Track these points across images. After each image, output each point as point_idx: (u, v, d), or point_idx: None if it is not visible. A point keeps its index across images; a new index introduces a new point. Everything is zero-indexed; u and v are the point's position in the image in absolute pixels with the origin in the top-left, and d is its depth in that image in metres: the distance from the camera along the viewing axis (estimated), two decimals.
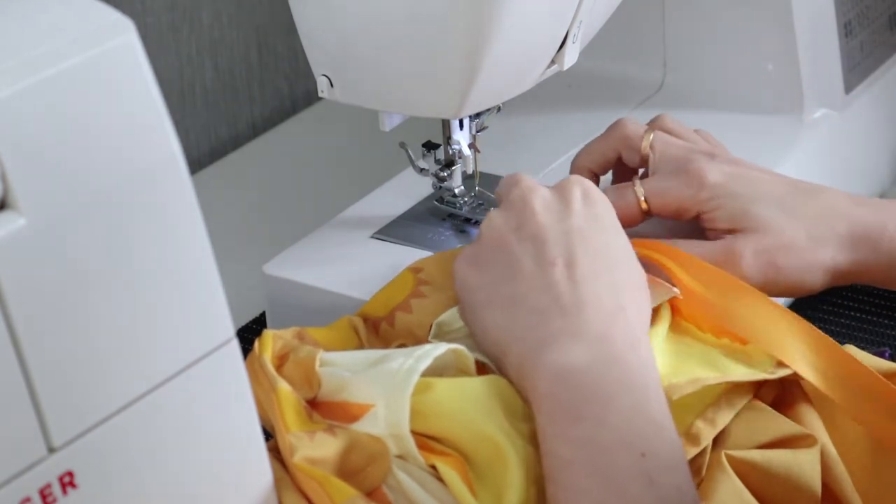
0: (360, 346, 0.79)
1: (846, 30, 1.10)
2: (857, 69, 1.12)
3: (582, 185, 0.79)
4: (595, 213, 0.78)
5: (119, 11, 0.59)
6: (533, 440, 0.71)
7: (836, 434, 0.76)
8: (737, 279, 0.80)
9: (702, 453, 0.74)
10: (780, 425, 0.75)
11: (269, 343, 0.74)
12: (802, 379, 0.76)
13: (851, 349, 0.77)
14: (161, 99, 0.59)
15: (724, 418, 0.75)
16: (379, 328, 0.80)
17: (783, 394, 0.78)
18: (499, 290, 0.75)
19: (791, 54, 1.07)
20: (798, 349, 0.76)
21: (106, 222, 0.58)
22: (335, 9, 0.86)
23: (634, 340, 0.73)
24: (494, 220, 0.78)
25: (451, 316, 0.79)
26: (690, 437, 0.74)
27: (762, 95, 1.09)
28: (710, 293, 0.79)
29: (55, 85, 0.56)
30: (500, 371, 0.75)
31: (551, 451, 0.69)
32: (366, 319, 0.81)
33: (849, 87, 1.11)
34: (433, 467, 0.70)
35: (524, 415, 0.72)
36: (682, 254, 0.81)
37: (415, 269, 0.83)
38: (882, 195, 1.11)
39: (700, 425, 0.74)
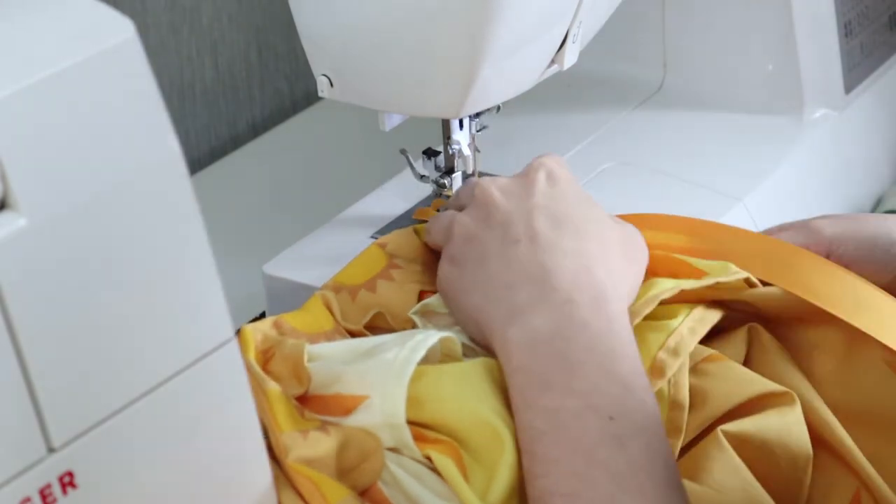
0: (336, 325, 0.80)
1: (846, 30, 1.10)
2: (857, 69, 1.12)
3: (546, 168, 0.81)
4: (559, 189, 0.79)
5: (119, 11, 0.59)
6: None
7: (811, 370, 0.77)
8: (718, 223, 0.81)
9: (679, 411, 0.74)
10: (756, 384, 0.75)
11: (251, 340, 0.74)
12: (770, 303, 0.77)
13: None
14: (161, 99, 0.59)
15: (686, 345, 0.75)
16: (357, 295, 0.81)
17: (752, 349, 0.78)
18: (474, 277, 0.77)
19: (791, 54, 1.07)
20: (781, 270, 0.77)
21: (106, 222, 0.58)
22: (335, 9, 0.86)
23: (601, 301, 0.73)
24: (462, 219, 0.80)
25: (438, 299, 0.81)
26: (655, 369, 0.74)
27: (762, 95, 1.09)
28: (694, 241, 0.80)
29: (55, 85, 0.56)
30: (486, 352, 0.77)
31: (524, 423, 0.70)
32: (338, 289, 0.82)
33: (849, 87, 1.11)
34: (428, 458, 0.70)
35: None
36: (660, 216, 0.82)
37: (381, 245, 0.85)
38: (882, 195, 1.11)
39: (663, 356, 0.75)
